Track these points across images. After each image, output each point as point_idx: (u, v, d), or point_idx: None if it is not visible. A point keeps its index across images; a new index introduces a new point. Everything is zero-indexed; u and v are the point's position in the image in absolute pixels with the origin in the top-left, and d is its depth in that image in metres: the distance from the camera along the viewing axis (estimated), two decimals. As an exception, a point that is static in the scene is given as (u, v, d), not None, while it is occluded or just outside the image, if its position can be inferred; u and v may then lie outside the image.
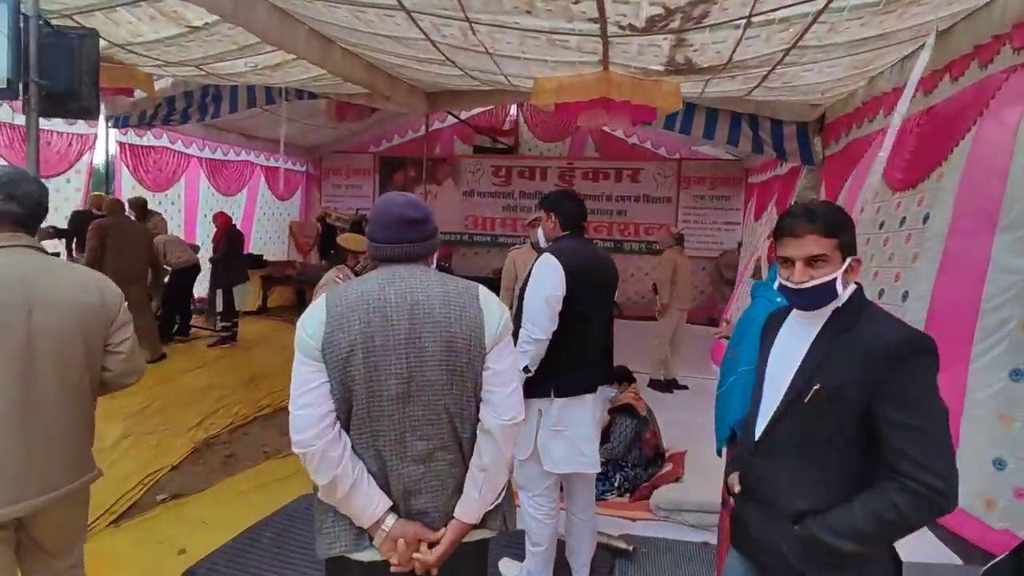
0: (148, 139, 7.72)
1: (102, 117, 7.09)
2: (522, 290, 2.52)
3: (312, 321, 1.39)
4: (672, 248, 6.16)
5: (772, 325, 1.56)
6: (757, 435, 1.45)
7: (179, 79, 6.41)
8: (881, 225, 3.83)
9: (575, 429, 2.45)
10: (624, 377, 3.82)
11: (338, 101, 7.56)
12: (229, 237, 6.87)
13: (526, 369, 2.44)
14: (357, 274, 3.51)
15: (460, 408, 1.43)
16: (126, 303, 1.82)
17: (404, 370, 1.37)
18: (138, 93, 5.34)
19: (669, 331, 6.03)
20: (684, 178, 9.90)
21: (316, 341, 1.36)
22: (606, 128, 10.27)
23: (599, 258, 2.60)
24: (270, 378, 5.79)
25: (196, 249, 7.28)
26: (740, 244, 9.02)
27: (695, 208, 9.92)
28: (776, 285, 1.53)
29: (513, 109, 10.82)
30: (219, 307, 6.89)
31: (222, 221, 6.95)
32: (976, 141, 3.03)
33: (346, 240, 3.49)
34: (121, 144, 7.44)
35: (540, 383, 2.46)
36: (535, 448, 2.52)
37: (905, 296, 3.42)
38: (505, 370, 1.46)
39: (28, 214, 1.69)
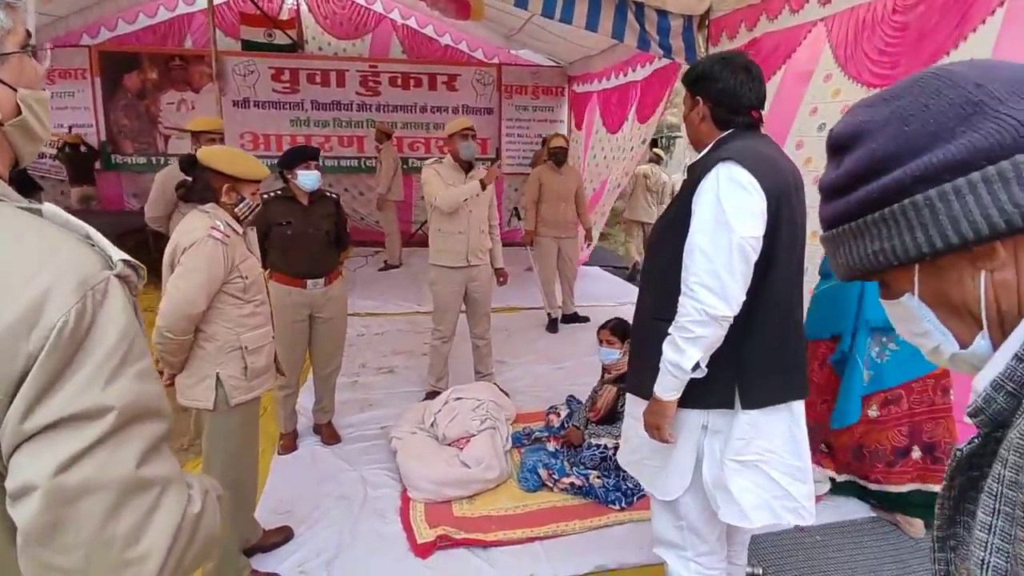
0: None
1: None
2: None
3: None
4: (544, 164, 5.29)
5: None
6: None
7: None
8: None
9: (775, 457, 1.53)
10: (627, 333, 2.96)
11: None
12: None
13: (696, 367, 1.43)
14: (240, 219, 1.96)
15: None
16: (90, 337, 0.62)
17: None
18: None
19: (543, 263, 5.23)
20: (505, 87, 8.97)
21: None
22: (413, 23, 8.76)
23: (790, 168, 1.58)
24: None
25: None
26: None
27: (519, 120, 9.13)
28: None
29: (291, -6, 8.53)
30: None
31: None
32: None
33: (220, 160, 1.86)
34: None
35: (711, 385, 1.47)
36: (701, 485, 1.55)
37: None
38: None
39: None
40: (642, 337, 1.66)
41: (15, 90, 0.71)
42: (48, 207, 0.69)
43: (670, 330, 1.46)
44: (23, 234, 0.64)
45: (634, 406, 1.68)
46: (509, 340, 4.86)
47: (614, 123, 7.08)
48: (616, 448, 2.76)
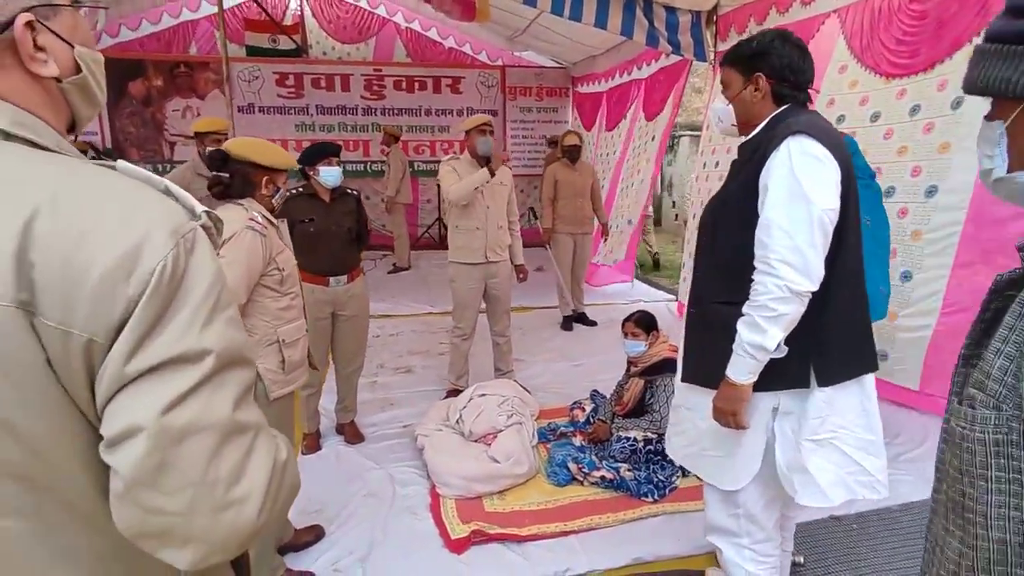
0: None
1: None
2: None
3: None
4: (558, 161, 5.29)
5: None
6: None
7: None
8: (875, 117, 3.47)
9: (848, 432, 1.51)
10: (651, 325, 2.94)
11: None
12: None
13: (778, 346, 1.42)
14: (273, 211, 1.96)
15: None
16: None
17: None
18: None
19: (561, 260, 5.21)
20: (509, 88, 8.98)
21: None
22: (417, 26, 8.79)
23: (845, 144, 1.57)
24: None
25: None
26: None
27: (524, 122, 9.14)
28: None
29: (294, 0, 8.55)
30: None
31: None
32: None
33: (254, 151, 1.85)
34: None
35: (784, 365, 1.45)
36: (774, 469, 1.53)
37: (932, 191, 3.11)
38: None
39: None
40: (703, 324, 1.61)
41: (72, 46, 0.70)
42: (122, 164, 0.69)
43: (746, 310, 1.42)
44: (111, 181, 0.64)
45: (690, 396, 1.65)
46: (524, 339, 4.84)
47: (611, 121, 7.09)
48: (645, 441, 2.76)
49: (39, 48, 0.67)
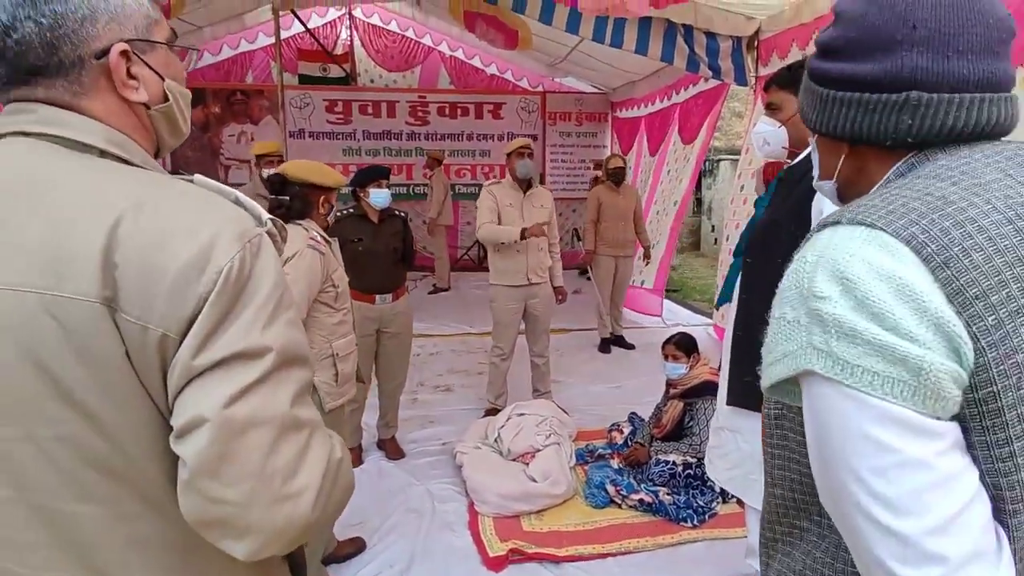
0: None
1: None
2: None
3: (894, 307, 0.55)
4: (602, 184, 5.35)
5: None
6: None
7: None
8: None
9: None
10: (692, 347, 2.94)
11: None
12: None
13: None
14: (327, 229, 2.06)
15: None
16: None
17: None
18: None
19: (601, 282, 5.24)
20: (550, 114, 9.12)
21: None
22: (460, 55, 9.04)
23: None
24: None
25: None
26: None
27: (563, 146, 9.25)
28: None
29: (344, 31, 8.93)
30: None
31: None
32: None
33: (313, 173, 1.97)
34: None
35: None
36: None
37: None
38: None
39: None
40: (752, 345, 1.59)
41: (163, 79, 0.77)
42: (199, 177, 0.76)
43: None
44: (187, 191, 0.71)
45: (734, 419, 1.65)
46: (562, 360, 4.86)
47: (653, 145, 7.12)
48: (685, 465, 2.74)
49: (132, 76, 0.73)
